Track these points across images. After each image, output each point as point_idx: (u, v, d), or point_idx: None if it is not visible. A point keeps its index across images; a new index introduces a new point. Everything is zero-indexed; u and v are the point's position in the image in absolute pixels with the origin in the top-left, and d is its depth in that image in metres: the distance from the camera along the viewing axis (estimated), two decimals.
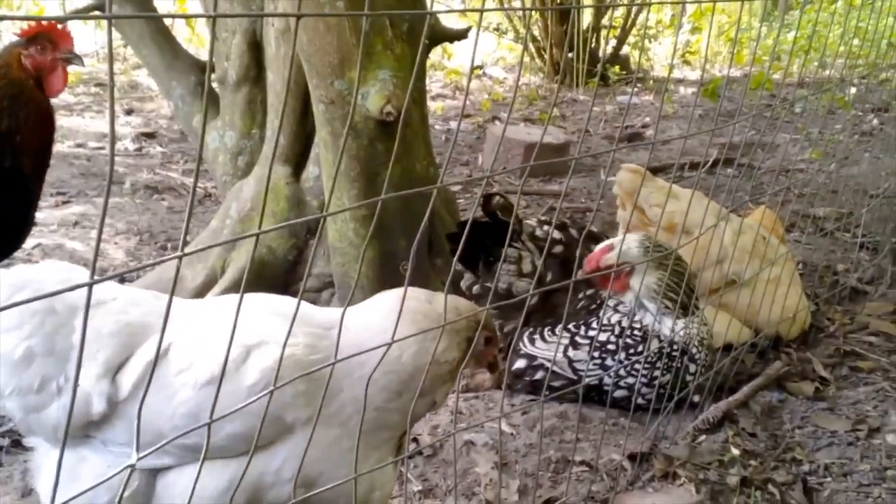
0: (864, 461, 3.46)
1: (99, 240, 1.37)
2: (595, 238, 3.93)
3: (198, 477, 1.77)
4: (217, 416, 1.82)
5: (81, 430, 2.15)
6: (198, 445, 2.01)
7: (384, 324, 2.14)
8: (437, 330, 2.16)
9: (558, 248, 3.93)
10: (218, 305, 2.34)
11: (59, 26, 3.36)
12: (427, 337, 2.18)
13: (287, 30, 4.30)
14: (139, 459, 1.54)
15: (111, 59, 1.26)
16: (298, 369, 2.01)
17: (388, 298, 2.28)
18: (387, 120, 3.80)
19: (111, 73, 1.27)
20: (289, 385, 1.97)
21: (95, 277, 1.33)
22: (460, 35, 4.80)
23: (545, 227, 4.00)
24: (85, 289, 2.22)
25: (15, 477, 3.09)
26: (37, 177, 3.42)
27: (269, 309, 2.25)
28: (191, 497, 1.82)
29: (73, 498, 1.45)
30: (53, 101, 3.46)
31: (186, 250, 3.73)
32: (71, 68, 3.44)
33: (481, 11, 1.82)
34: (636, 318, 3.66)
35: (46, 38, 3.28)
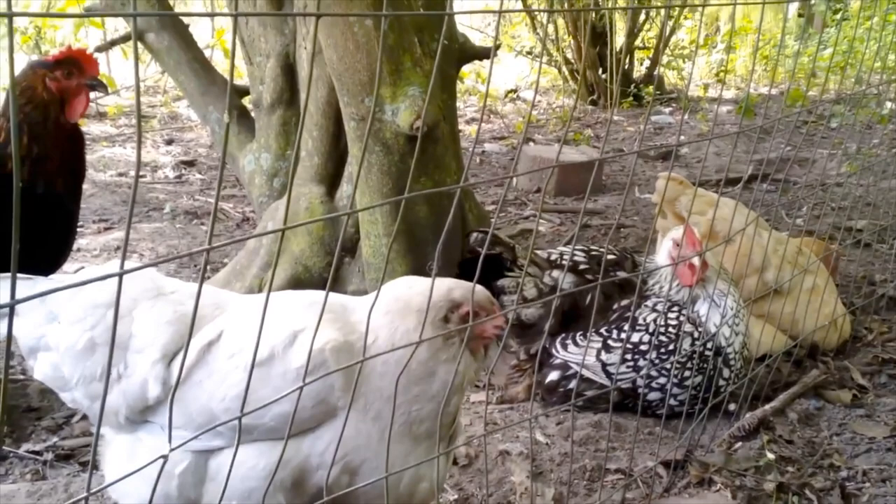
0: None
1: (128, 235, 1.42)
2: (617, 263, 3.94)
3: (232, 461, 1.81)
4: (268, 396, 1.94)
5: (140, 415, 2.26)
6: (248, 427, 2.09)
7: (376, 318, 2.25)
8: (406, 314, 2.23)
9: (583, 266, 3.92)
10: (264, 298, 2.41)
11: (88, 52, 3.43)
12: (394, 322, 2.24)
13: (319, 52, 4.39)
14: (172, 450, 1.59)
15: (136, 54, 1.32)
16: (341, 352, 2.14)
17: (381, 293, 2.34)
18: (417, 135, 3.85)
19: (136, 71, 1.33)
20: (340, 371, 2.07)
21: (126, 267, 1.38)
22: (488, 53, 4.85)
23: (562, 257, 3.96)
24: (142, 280, 2.30)
25: (59, 489, 3.15)
26: (72, 196, 3.48)
27: (308, 301, 2.34)
28: (228, 477, 1.88)
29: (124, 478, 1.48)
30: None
31: (222, 270, 3.73)
32: (109, 100, 3.52)
33: (500, 13, 1.87)
34: (694, 309, 3.71)
35: (74, 63, 3.34)
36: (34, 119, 3.29)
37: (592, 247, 4.04)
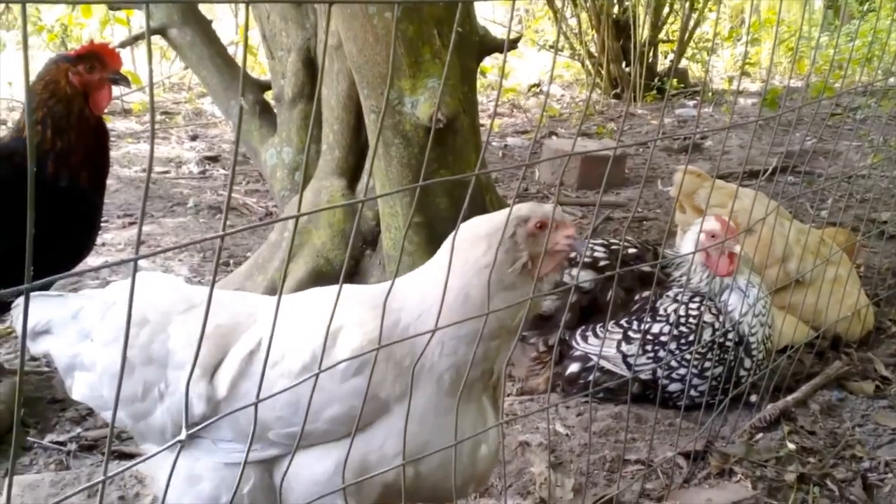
0: None
1: (142, 220, 1.44)
2: (638, 257, 3.93)
3: (291, 463, 1.82)
4: (316, 400, 1.94)
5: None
6: (304, 433, 2.06)
7: (428, 269, 2.25)
8: (476, 241, 2.15)
9: (603, 263, 3.90)
10: (295, 299, 2.39)
11: (110, 46, 3.46)
12: (464, 254, 2.14)
13: (339, 46, 4.40)
14: (188, 433, 1.60)
15: (149, 45, 1.34)
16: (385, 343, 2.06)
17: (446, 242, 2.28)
18: (437, 128, 3.86)
19: (150, 58, 1.34)
20: (378, 363, 2.03)
21: (140, 253, 1.39)
22: (510, 46, 4.85)
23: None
24: (173, 293, 2.29)
25: (82, 479, 3.18)
26: (96, 189, 3.51)
27: (343, 296, 2.29)
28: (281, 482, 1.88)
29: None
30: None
31: (244, 264, 3.76)
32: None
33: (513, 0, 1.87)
34: (721, 300, 3.71)
35: (96, 57, 3.37)
36: (58, 113, 3.33)
37: (612, 241, 4.03)
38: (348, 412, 2.12)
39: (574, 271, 3.80)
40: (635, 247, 3.98)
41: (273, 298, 2.45)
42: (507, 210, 2.22)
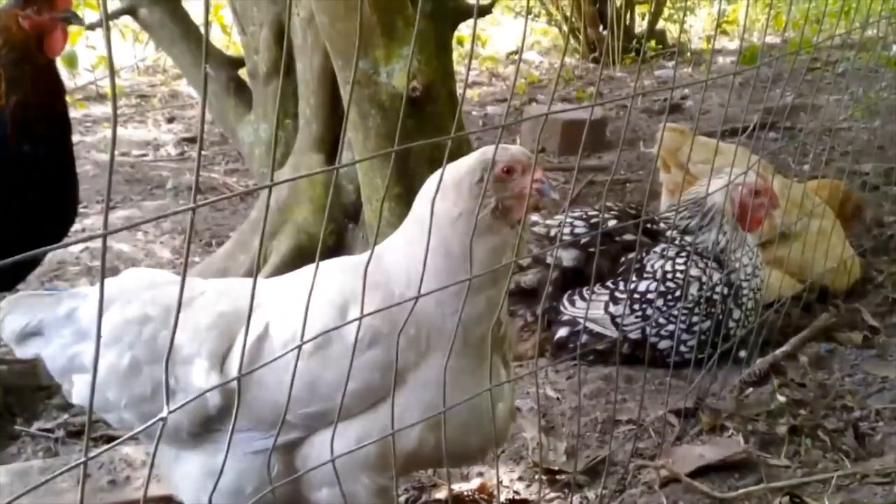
0: None
1: (109, 194, 1.40)
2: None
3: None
4: (333, 377, 1.98)
5: (202, 427, 2.16)
6: (321, 413, 2.06)
7: (405, 231, 2.24)
8: (444, 192, 2.07)
9: (585, 240, 3.87)
10: (294, 278, 2.36)
11: None
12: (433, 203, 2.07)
13: (312, 18, 4.34)
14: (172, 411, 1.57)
15: (107, 23, 1.30)
16: (386, 317, 2.04)
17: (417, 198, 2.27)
18: (413, 96, 3.82)
19: (107, 35, 1.30)
20: (386, 337, 2.03)
21: (109, 229, 1.36)
22: (483, 11, 4.80)
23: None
24: (169, 288, 2.25)
25: (71, 465, 3.16)
26: (60, 145, 3.39)
27: (335, 269, 2.26)
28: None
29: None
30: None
31: (226, 243, 3.70)
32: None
33: None
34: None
35: None
36: (12, 60, 3.23)
37: (591, 212, 3.98)
38: (365, 386, 2.10)
39: (558, 252, 3.79)
40: (616, 216, 3.93)
41: (273, 281, 2.42)
42: (470, 157, 2.20)
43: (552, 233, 3.86)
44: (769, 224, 3.74)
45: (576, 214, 3.96)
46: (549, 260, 3.79)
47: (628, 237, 3.82)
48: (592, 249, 3.76)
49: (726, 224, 3.72)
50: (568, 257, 3.83)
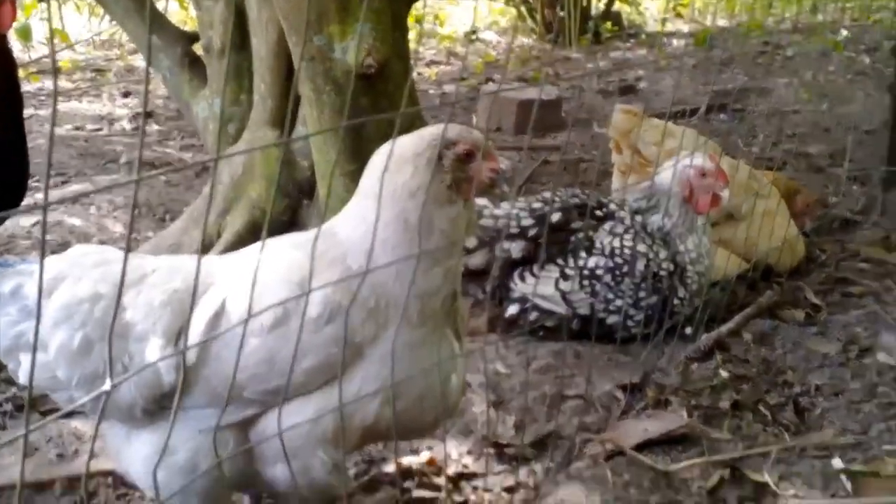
0: (854, 380, 3.52)
1: (49, 167, 1.42)
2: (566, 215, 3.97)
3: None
4: (290, 354, 1.98)
5: (156, 404, 2.15)
6: (279, 388, 2.06)
7: (359, 205, 2.24)
8: (401, 165, 2.15)
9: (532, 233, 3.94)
10: (248, 255, 2.35)
11: None
12: (392, 182, 2.15)
13: None
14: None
15: None
16: (346, 291, 2.09)
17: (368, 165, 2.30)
18: (368, 73, 3.83)
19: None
20: (356, 307, 2.06)
21: (49, 202, 1.37)
22: None
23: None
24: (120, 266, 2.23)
25: (20, 440, 3.15)
26: (12, 127, 3.34)
27: (290, 244, 2.29)
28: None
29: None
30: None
31: (179, 218, 3.70)
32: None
33: None
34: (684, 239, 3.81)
35: None
36: None
37: (535, 204, 4.02)
38: (324, 361, 2.12)
39: (505, 244, 3.84)
40: (560, 209, 3.96)
41: (226, 258, 2.42)
42: (426, 130, 2.24)
43: (499, 224, 3.90)
44: (717, 205, 3.80)
45: (521, 205, 4.00)
46: (499, 252, 3.85)
47: (577, 225, 3.87)
48: (539, 241, 3.82)
49: (672, 206, 3.79)
50: (516, 248, 3.89)
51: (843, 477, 2.92)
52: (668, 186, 3.75)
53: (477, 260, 3.92)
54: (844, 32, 9.14)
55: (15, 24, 3.33)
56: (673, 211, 3.79)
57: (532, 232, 3.87)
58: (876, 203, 5.18)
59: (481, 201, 3.92)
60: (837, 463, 2.99)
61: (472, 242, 3.88)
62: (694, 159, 3.72)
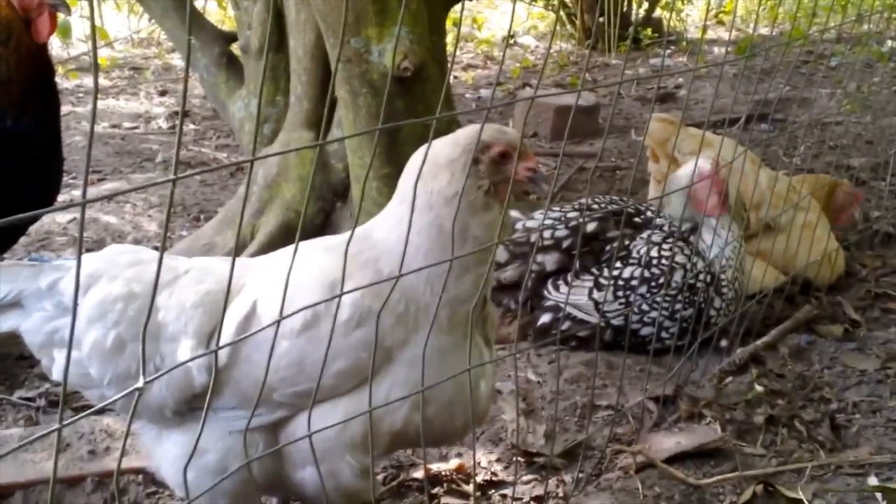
0: (893, 398, 3.45)
1: (88, 164, 1.41)
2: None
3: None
4: (321, 357, 1.95)
5: (187, 405, 2.16)
6: (308, 392, 2.04)
7: (395, 209, 2.22)
8: (437, 171, 2.14)
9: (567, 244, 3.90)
10: (281, 257, 2.34)
11: None
12: (427, 187, 2.14)
13: None
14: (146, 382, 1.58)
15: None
16: (377, 295, 2.06)
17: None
18: (404, 76, 3.81)
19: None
20: (386, 311, 2.03)
21: (88, 198, 1.36)
22: None
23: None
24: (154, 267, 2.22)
25: (51, 435, 3.16)
26: (45, 125, 3.38)
27: (324, 247, 2.28)
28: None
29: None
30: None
31: (213, 219, 3.70)
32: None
33: None
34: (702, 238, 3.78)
35: None
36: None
37: (570, 214, 3.97)
38: (354, 364, 2.12)
39: (539, 257, 3.80)
40: (595, 218, 3.92)
41: (258, 260, 2.42)
42: (461, 133, 2.21)
43: (532, 238, 3.85)
44: (721, 207, 3.73)
45: (555, 215, 3.96)
46: (534, 266, 3.81)
47: (613, 234, 3.83)
48: (574, 252, 3.78)
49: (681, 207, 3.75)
50: (551, 261, 3.85)
51: (878, 495, 2.84)
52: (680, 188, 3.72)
53: (509, 274, 3.89)
54: (890, 43, 9.00)
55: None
56: (676, 208, 3.76)
57: (566, 243, 3.84)
58: None
59: (514, 213, 3.89)
60: (873, 481, 2.91)
61: (503, 256, 3.84)
62: (698, 162, 3.68)
